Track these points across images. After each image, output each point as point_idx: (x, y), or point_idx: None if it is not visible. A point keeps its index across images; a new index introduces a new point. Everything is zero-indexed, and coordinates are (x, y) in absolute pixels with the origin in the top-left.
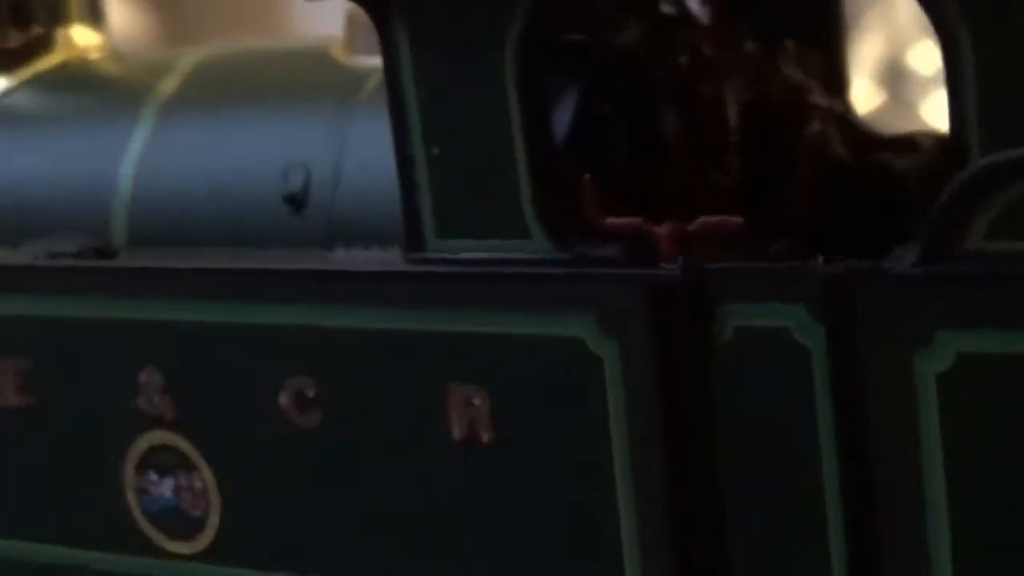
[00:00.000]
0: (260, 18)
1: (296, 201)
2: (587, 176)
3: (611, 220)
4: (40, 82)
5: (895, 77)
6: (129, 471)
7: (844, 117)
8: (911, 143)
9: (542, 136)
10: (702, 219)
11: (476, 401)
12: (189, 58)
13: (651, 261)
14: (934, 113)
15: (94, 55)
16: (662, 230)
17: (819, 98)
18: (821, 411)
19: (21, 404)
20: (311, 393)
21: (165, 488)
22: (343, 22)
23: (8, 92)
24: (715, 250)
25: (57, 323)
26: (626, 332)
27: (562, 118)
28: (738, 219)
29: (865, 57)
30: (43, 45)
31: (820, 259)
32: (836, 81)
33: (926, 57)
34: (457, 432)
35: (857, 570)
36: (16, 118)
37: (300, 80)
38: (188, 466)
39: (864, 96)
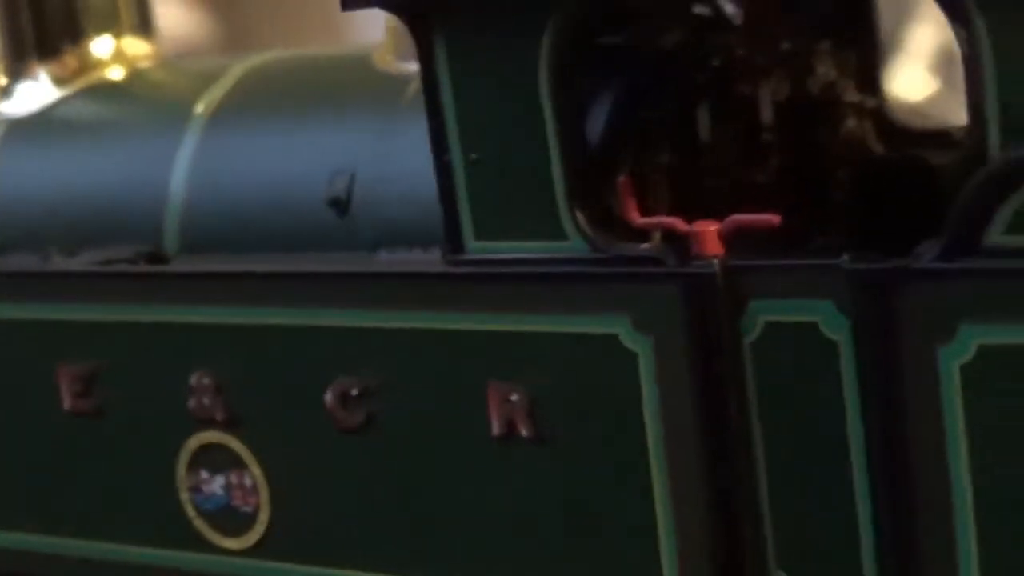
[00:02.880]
0: (317, 19)
1: (340, 205)
2: (623, 177)
3: (644, 219)
4: (92, 92)
5: (951, 63)
6: (182, 470)
7: (880, 113)
8: (947, 138)
9: (577, 140)
10: (734, 217)
11: (514, 397)
12: (237, 67)
13: (684, 259)
14: None
15: (145, 64)
16: (695, 228)
17: (854, 95)
18: (849, 402)
19: (80, 408)
20: (355, 392)
21: (216, 486)
22: (384, 30)
23: (61, 103)
24: (751, 248)
25: (112, 328)
26: (660, 328)
27: (597, 120)
28: (773, 216)
29: (920, 44)
30: (95, 56)
31: (845, 256)
32: (871, 78)
33: None
34: (497, 428)
35: (887, 556)
36: (69, 128)
37: (344, 86)
38: (238, 464)
39: (919, 83)
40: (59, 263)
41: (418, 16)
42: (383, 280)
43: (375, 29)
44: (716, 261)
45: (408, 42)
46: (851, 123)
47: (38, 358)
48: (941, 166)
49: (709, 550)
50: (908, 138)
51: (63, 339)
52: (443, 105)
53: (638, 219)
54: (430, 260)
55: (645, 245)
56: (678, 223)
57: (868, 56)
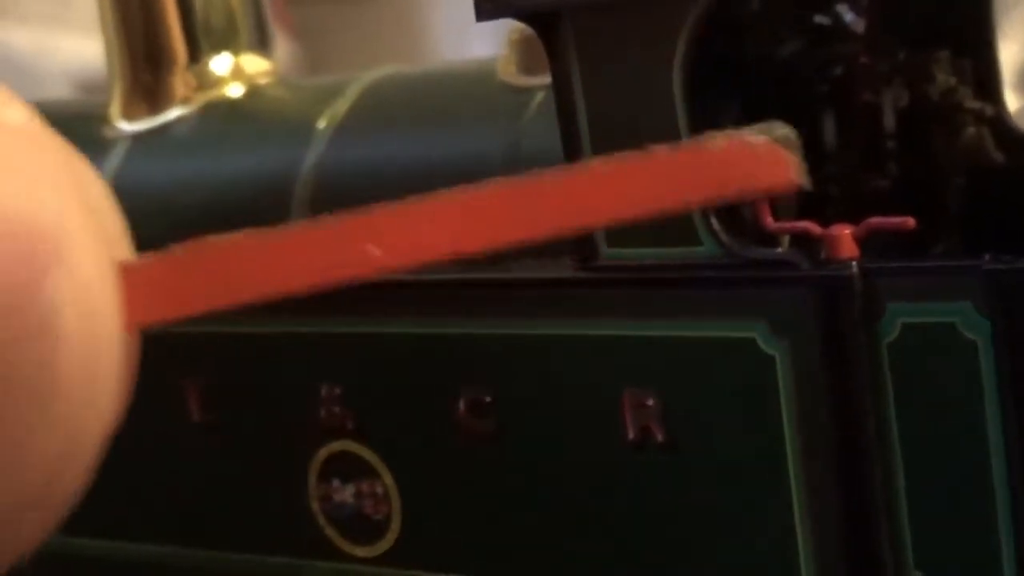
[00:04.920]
0: (399, 45)
1: None
2: None
3: (778, 224)
4: (212, 109)
5: None
6: (312, 479)
7: (998, 121)
8: None
9: None
10: (869, 220)
11: (650, 402)
12: (357, 82)
13: (819, 262)
14: None
15: (263, 81)
16: (830, 231)
17: (973, 103)
18: (988, 403)
19: (205, 419)
20: (487, 400)
21: (347, 494)
22: (505, 44)
23: (181, 120)
24: (874, 252)
25: (241, 339)
26: (797, 331)
27: (724, 127)
28: (908, 219)
29: (1003, 62)
30: (214, 74)
31: (986, 256)
32: (989, 86)
33: None
34: (631, 434)
35: None
36: (190, 144)
37: (468, 99)
38: (369, 473)
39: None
40: None
41: (550, 24)
42: (516, 287)
43: (455, 52)
44: (854, 264)
45: (531, 54)
46: (970, 130)
47: (166, 371)
48: None
49: (847, 553)
50: None
51: (190, 352)
52: (576, 113)
53: (772, 223)
54: (562, 267)
55: (779, 249)
56: (812, 227)
57: (986, 64)
